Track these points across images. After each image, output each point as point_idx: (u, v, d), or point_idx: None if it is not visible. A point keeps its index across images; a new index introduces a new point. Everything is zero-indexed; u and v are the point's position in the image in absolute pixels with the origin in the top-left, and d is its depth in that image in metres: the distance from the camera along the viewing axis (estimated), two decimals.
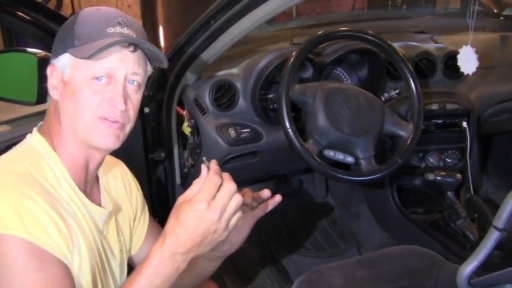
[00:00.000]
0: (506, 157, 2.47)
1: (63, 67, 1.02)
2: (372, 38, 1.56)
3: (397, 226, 2.03)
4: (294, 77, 1.47)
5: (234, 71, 1.70)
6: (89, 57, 0.97)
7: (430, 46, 1.96)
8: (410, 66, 1.58)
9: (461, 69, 1.60)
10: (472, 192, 1.88)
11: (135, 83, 1.04)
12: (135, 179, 1.31)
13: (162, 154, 1.79)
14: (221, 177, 0.98)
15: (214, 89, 1.65)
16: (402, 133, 1.57)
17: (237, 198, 0.98)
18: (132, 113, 1.05)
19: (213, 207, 0.95)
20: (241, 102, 1.70)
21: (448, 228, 1.79)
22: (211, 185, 0.96)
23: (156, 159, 1.81)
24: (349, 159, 1.51)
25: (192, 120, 1.73)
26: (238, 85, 1.69)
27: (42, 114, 1.15)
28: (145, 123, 1.74)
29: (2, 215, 0.90)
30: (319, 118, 1.49)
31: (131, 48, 1.01)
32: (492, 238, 1.04)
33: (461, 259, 1.65)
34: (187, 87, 1.71)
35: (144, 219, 1.31)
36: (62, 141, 1.04)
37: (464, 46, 1.59)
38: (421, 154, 1.94)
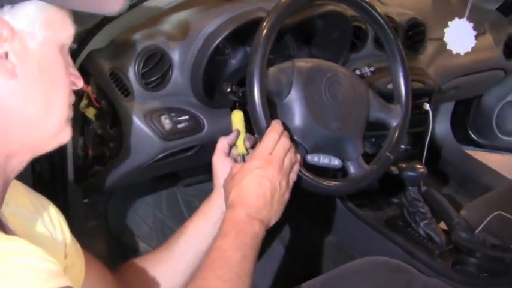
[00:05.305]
0: None
1: (30, 23, 0.67)
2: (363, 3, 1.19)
3: (340, 222, 1.74)
4: (268, 51, 1.05)
5: (169, 34, 1.21)
6: None
7: (391, 10, 1.63)
8: (399, 42, 1.25)
9: (450, 47, 1.31)
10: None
11: None
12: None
13: None
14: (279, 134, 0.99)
15: (141, 60, 1.16)
16: (390, 119, 1.26)
17: (291, 154, 0.99)
18: None
19: (272, 160, 0.95)
20: (176, 78, 1.23)
21: (410, 230, 1.53)
22: (269, 141, 0.97)
23: None
24: (336, 162, 1.15)
25: (103, 102, 1.22)
26: (174, 55, 1.21)
27: None
28: None
29: None
30: (300, 114, 1.10)
31: None
32: None
33: (432, 269, 1.44)
34: (96, 52, 1.19)
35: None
36: None
37: (457, 19, 1.29)
38: (373, 139, 1.65)
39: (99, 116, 1.27)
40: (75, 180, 1.39)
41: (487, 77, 1.91)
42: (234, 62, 1.38)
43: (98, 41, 1.18)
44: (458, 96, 2.02)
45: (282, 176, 0.96)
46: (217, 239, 0.88)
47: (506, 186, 1.81)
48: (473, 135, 2.33)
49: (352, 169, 1.19)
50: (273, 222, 0.95)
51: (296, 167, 1.02)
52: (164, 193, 1.93)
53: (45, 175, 1.37)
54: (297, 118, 1.10)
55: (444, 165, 2.28)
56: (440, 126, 2.31)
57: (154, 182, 1.86)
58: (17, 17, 0.66)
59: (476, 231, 1.48)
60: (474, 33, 1.28)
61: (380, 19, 1.21)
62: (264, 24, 1.05)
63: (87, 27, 1.10)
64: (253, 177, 0.94)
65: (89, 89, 1.23)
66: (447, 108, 2.30)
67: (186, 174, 1.87)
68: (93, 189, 1.39)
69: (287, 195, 0.98)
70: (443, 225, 1.55)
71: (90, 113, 1.27)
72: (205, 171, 1.91)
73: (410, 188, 1.52)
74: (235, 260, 0.84)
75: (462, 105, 2.28)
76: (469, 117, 2.31)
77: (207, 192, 1.98)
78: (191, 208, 1.95)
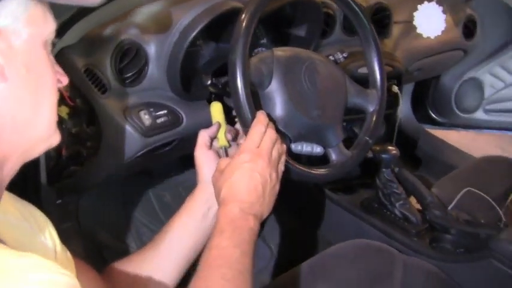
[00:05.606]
0: None
1: (14, 21, 0.64)
2: None
3: (315, 208, 1.74)
4: (249, 41, 1.04)
5: (143, 27, 1.18)
6: None
7: None
8: (373, 28, 1.26)
9: (420, 30, 1.34)
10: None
11: None
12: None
13: None
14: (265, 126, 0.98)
15: (118, 55, 1.13)
16: (367, 104, 1.26)
17: (278, 145, 0.99)
18: None
19: (261, 153, 0.93)
20: (152, 72, 1.19)
21: (386, 211, 1.55)
22: (256, 134, 0.96)
23: None
24: (318, 149, 1.15)
25: (78, 100, 1.18)
26: (150, 49, 1.17)
27: None
28: None
29: None
30: (282, 103, 1.09)
31: None
32: None
33: (410, 248, 1.47)
34: (68, 49, 1.14)
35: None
36: None
37: (426, 2, 1.32)
38: (344, 124, 1.66)
39: (73, 115, 1.22)
40: (48, 181, 1.34)
41: (447, 58, 1.94)
42: (206, 53, 1.36)
43: (67, 38, 1.13)
44: (421, 77, 2.05)
45: (271, 168, 0.94)
46: (214, 237, 0.86)
47: (472, 163, 1.86)
48: (433, 114, 2.37)
49: (333, 156, 1.19)
50: (265, 215, 0.94)
51: (283, 158, 1.01)
52: (135, 189, 1.90)
53: (16, 177, 1.32)
54: (279, 108, 1.09)
55: (408, 145, 2.33)
56: (402, 107, 2.35)
57: (125, 177, 1.82)
58: (1, 15, 0.62)
59: (449, 208, 1.52)
60: (444, 16, 1.31)
61: (354, 5, 1.21)
62: (244, 14, 1.03)
63: (61, 20, 1.06)
64: (243, 172, 0.92)
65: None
66: (407, 89, 2.33)
67: (157, 169, 1.84)
68: (68, 189, 1.35)
69: (277, 187, 0.97)
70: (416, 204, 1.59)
71: (63, 111, 1.22)
72: (178, 164, 1.89)
73: (384, 169, 1.54)
74: (235, 257, 0.82)
75: (421, 85, 2.32)
76: (428, 97, 2.36)
77: (177, 185, 1.97)
78: (162, 202, 1.93)
